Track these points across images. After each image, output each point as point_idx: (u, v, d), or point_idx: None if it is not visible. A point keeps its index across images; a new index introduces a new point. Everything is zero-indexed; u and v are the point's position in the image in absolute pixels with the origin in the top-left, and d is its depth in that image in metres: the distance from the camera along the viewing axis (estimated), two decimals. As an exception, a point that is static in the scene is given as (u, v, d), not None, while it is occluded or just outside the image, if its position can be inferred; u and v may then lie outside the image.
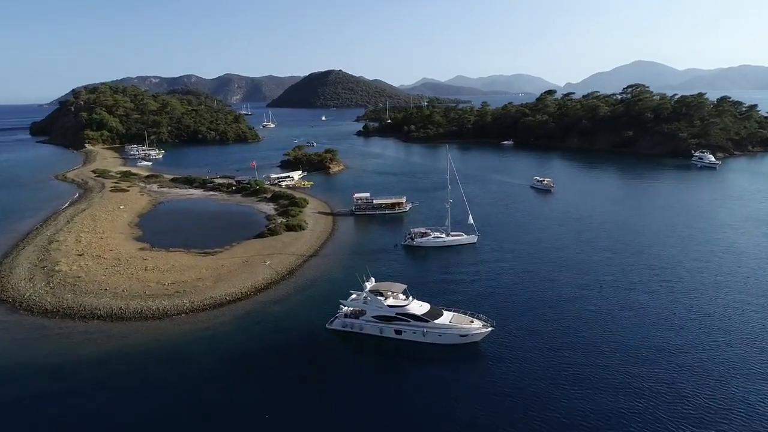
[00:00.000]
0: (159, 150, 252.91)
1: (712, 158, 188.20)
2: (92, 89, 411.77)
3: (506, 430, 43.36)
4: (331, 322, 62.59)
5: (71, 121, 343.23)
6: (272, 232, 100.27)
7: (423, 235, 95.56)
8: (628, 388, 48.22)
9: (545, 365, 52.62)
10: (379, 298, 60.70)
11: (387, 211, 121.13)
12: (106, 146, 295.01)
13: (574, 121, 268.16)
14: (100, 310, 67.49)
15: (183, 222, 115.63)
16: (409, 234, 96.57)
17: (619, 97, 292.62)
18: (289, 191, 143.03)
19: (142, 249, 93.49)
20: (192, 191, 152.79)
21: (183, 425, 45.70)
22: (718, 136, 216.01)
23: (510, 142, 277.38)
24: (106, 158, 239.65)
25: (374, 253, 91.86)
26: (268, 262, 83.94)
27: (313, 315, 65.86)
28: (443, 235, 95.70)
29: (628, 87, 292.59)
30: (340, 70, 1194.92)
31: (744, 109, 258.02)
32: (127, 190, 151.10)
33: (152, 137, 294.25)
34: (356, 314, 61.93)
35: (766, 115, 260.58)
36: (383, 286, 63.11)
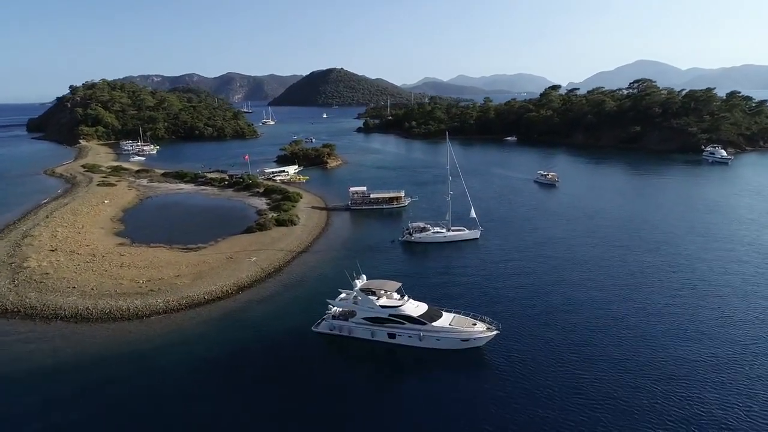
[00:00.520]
0: (154, 146, 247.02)
1: (724, 153, 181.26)
2: (90, 85, 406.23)
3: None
4: (318, 324, 56.25)
5: (66, 117, 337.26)
6: (261, 227, 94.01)
7: (422, 230, 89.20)
8: (652, 409, 41.48)
9: (557, 378, 46.10)
10: (370, 297, 54.35)
11: (384, 206, 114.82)
12: (100, 142, 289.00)
13: (579, 116, 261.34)
14: (64, 310, 61.25)
15: (169, 217, 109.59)
16: (407, 229, 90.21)
17: (626, 92, 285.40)
18: (282, 186, 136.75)
19: (120, 244, 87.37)
20: (182, 186, 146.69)
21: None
22: (728, 131, 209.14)
23: (513, 138, 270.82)
24: (98, 153, 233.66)
25: (369, 249, 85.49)
26: (254, 259, 77.69)
27: (299, 316, 59.55)
28: (443, 230, 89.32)
29: (635, 82, 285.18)
30: (341, 69, 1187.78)
31: (754, 104, 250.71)
32: (115, 185, 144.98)
33: (148, 133, 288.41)
34: (345, 315, 55.57)
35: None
36: (375, 284, 56.71)
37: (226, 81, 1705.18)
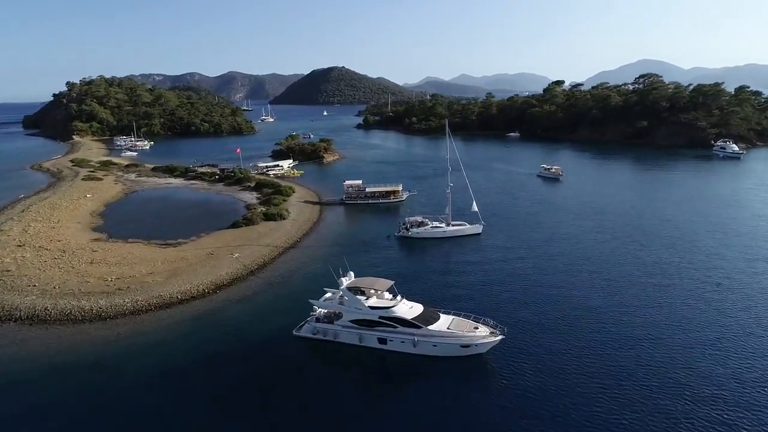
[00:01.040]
0: (147, 141, 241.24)
1: (736, 147, 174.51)
2: (88, 82, 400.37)
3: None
4: (300, 327, 50.02)
5: (62, 114, 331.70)
6: (248, 222, 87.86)
7: (420, 224, 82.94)
8: None
9: (573, 392, 39.84)
10: (358, 297, 48.11)
11: (381, 201, 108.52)
12: (94, 138, 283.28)
13: (583, 111, 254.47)
14: (20, 310, 55.13)
15: (153, 211, 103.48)
16: (403, 223, 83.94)
17: (631, 87, 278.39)
18: (275, 180, 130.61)
19: (95, 240, 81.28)
20: (171, 180, 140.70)
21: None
22: (738, 125, 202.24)
23: (516, 134, 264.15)
24: (90, 149, 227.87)
25: (363, 245, 79.28)
26: (236, 255, 71.51)
27: (281, 318, 53.37)
28: (443, 225, 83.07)
29: (640, 77, 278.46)
30: (342, 67, 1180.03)
31: (763, 99, 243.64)
32: (101, 179, 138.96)
33: (143, 129, 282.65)
34: (330, 318, 49.31)
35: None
36: (364, 282, 50.35)
37: (228, 80, 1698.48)
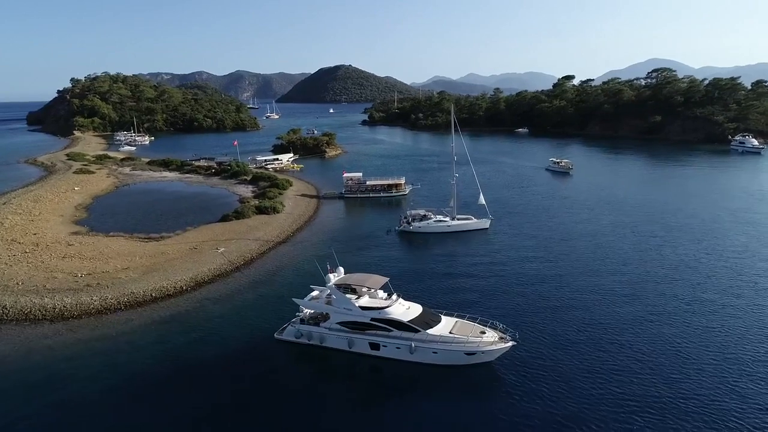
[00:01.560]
0: (148, 136, 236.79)
1: (756, 142, 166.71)
2: (92, 78, 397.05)
3: None
4: (282, 330, 44.09)
5: (64, 109, 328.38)
6: (239, 215, 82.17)
7: (422, 218, 76.84)
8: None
9: (596, 410, 33.67)
10: (348, 296, 42.13)
11: (382, 194, 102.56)
12: (96, 134, 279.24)
13: (594, 106, 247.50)
14: (-25, 309, 49.61)
15: (142, 205, 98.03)
16: (404, 217, 77.92)
17: (644, 82, 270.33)
18: (272, 173, 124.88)
19: (75, 233, 75.88)
20: (166, 173, 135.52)
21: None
22: (757, 120, 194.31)
23: (525, 130, 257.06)
24: (89, 144, 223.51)
25: (360, 240, 73.36)
26: (222, 249, 65.74)
27: (263, 319, 47.56)
28: (447, 219, 76.95)
29: (653, 71, 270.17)
30: (350, 65, 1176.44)
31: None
32: (94, 173, 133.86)
33: (146, 125, 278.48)
34: (316, 319, 43.37)
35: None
36: (355, 278, 44.27)
37: (236, 79, 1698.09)
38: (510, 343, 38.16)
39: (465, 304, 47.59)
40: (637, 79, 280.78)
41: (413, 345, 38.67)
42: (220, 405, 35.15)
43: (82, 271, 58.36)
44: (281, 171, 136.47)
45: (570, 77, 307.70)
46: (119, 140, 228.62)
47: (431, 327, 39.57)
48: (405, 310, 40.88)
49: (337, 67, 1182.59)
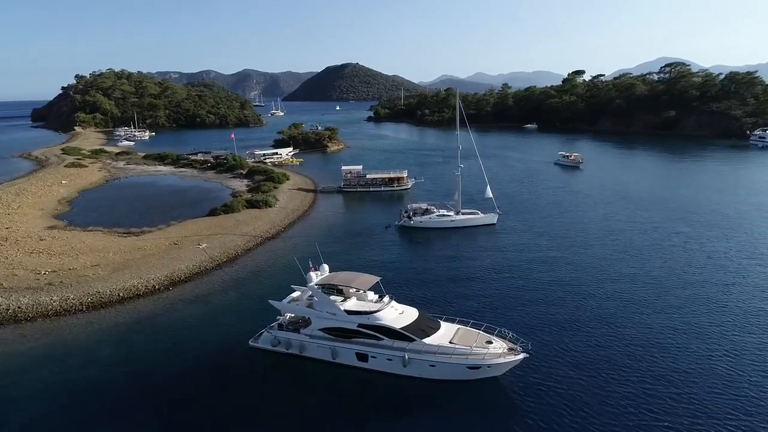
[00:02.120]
0: (148, 132, 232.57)
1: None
2: (97, 75, 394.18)
3: None
4: (258, 336, 38.41)
5: (67, 105, 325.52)
6: (228, 209, 76.68)
7: (424, 212, 70.98)
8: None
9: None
10: (333, 298, 36.43)
11: (383, 188, 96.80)
12: (97, 129, 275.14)
13: (606, 102, 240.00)
14: None
15: (130, 199, 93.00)
16: (405, 211, 72.13)
17: (656, 77, 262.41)
18: (269, 167, 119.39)
19: (51, 227, 70.74)
20: (160, 167, 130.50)
21: None
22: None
23: (533, 126, 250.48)
24: (88, 138, 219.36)
25: (357, 235, 67.68)
26: (203, 245, 60.26)
27: (241, 323, 41.95)
28: (451, 213, 71.03)
29: (666, 66, 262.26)
30: (357, 63, 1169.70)
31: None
32: (86, 166, 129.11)
33: (148, 120, 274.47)
34: (296, 325, 37.69)
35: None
36: (341, 278, 38.47)
37: (243, 78, 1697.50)
38: (521, 356, 32.28)
39: (469, 309, 41.88)
40: (649, 73, 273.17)
41: (407, 357, 32.88)
42: (181, 424, 29.61)
43: (47, 268, 53.06)
44: (280, 165, 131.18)
45: (580, 72, 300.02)
46: (118, 135, 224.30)
47: (428, 335, 33.80)
48: (398, 315, 35.10)
49: (344, 66, 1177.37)
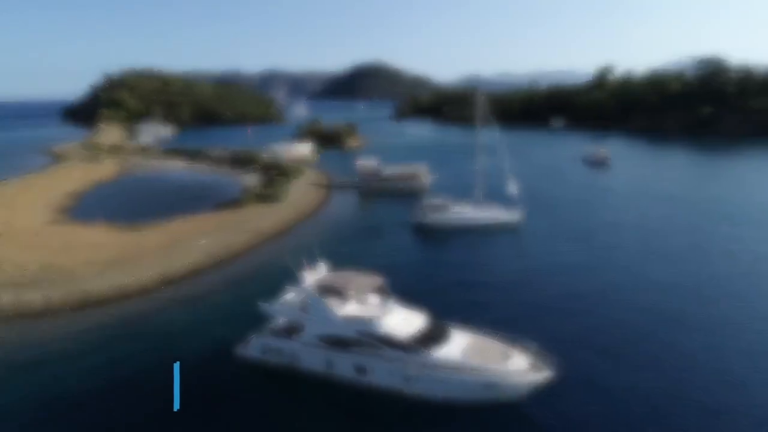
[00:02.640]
0: (171, 128, 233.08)
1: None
2: (124, 72, 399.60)
3: None
4: (246, 344, 34.22)
5: (93, 103, 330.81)
6: (235, 205, 73.33)
7: (440, 208, 66.10)
8: None
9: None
10: (330, 301, 32.02)
11: (400, 184, 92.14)
12: (121, 125, 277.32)
13: (637, 98, 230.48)
14: None
15: (139, 194, 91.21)
16: (420, 207, 67.36)
17: (691, 74, 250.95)
18: (284, 162, 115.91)
19: (51, 222, 68.56)
20: (176, 163, 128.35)
21: None
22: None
23: (561, 123, 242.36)
24: (110, 135, 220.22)
25: (366, 233, 63.50)
26: (203, 242, 56.64)
27: (233, 326, 37.84)
28: (469, 209, 66.05)
29: (702, 61, 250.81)
30: (382, 63, 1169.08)
31: None
32: (102, 161, 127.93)
33: (172, 117, 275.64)
34: (289, 331, 33.42)
35: None
36: (340, 278, 34.02)
37: (268, 78, 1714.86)
38: (545, 374, 27.33)
39: (485, 317, 36.95)
40: (683, 70, 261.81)
41: (410, 372, 28.29)
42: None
43: (38, 263, 50.09)
44: (296, 160, 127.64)
45: (610, 68, 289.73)
46: (142, 132, 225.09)
47: (437, 346, 29.12)
48: (402, 321, 30.53)
49: (369, 65, 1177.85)
